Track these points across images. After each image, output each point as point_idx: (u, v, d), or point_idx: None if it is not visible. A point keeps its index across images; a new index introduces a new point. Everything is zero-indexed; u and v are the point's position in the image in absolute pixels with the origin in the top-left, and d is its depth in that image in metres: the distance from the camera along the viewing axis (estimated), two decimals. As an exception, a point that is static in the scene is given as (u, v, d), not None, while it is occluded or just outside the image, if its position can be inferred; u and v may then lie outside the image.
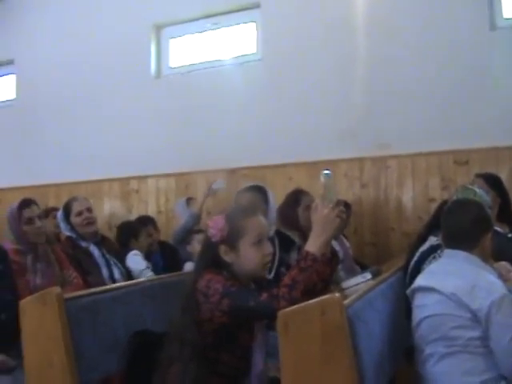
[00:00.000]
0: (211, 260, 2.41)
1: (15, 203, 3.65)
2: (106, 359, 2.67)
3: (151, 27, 6.25)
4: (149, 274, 4.32)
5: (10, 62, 7.29)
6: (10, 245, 3.57)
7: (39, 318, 2.51)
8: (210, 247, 2.43)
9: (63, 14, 6.80)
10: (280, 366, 2.05)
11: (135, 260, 4.46)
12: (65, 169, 6.52)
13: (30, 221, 3.58)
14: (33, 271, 3.50)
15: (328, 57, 5.33)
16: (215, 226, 2.40)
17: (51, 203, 6.10)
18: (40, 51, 6.94)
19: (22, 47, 7.11)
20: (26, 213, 3.60)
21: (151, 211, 5.93)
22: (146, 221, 5.18)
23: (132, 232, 4.81)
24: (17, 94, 7.24)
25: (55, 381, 2.49)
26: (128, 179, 6.15)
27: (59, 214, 4.30)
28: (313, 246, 2.26)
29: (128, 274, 4.22)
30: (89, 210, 4.21)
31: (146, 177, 6.07)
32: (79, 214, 4.16)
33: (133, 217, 5.87)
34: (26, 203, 3.66)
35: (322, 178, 2.33)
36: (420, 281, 2.74)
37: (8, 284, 3.26)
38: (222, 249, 2.39)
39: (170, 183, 5.93)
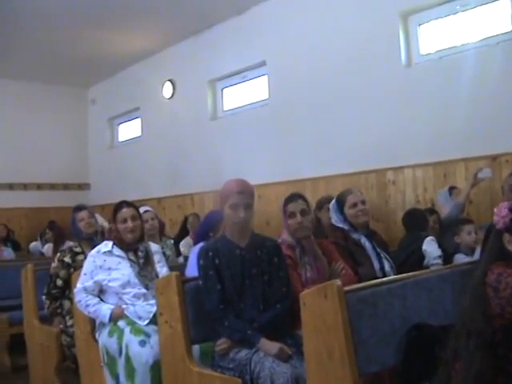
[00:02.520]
0: (498, 251, 2.30)
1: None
2: (383, 352, 2.64)
3: (397, 15, 6.11)
4: (437, 262, 4.32)
5: (262, 64, 7.60)
6: (285, 238, 3.70)
7: (319, 310, 2.53)
8: (495, 236, 2.34)
9: (307, 12, 6.95)
10: None
11: (433, 245, 4.46)
12: (320, 163, 6.65)
13: (292, 215, 3.66)
14: (302, 264, 3.57)
15: None
16: (498, 212, 2.30)
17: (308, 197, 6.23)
18: (287, 50, 7.17)
19: (272, 49, 7.39)
20: (290, 207, 3.69)
21: (408, 202, 5.81)
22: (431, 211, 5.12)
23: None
24: (269, 94, 7.54)
25: (335, 372, 2.50)
26: (384, 170, 6.08)
27: (332, 205, 4.35)
28: None
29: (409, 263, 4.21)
30: (363, 202, 4.22)
31: (401, 167, 5.95)
32: (354, 205, 4.17)
33: (389, 208, 5.84)
34: (290, 198, 3.74)
35: None
36: None
37: (283, 276, 3.37)
38: (506, 237, 2.28)
39: (428, 172, 5.74)
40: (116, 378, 3.74)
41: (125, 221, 4.05)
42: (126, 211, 4.09)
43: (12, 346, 5.88)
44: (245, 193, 3.34)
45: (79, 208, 5.20)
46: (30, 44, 8.61)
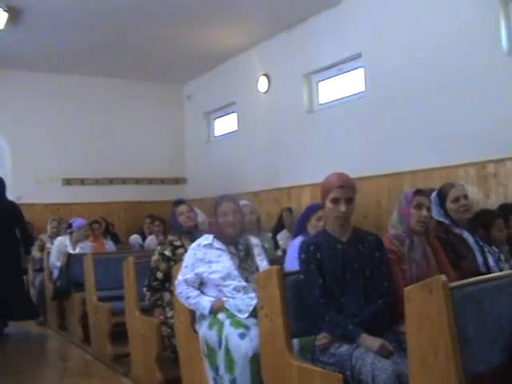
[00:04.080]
0: None
1: (410, 190, 3.71)
2: (490, 351, 2.57)
3: (499, 0, 5.87)
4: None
5: (358, 56, 7.52)
6: (392, 232, 3.62)
7: (424, 306, 2.48)
8: None
9: (402, 2, 6.82)
10: None
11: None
12: (418, 155, 6.50)
13: (419, 207, 3.54)
14: (409, 259, 3.48)
15: None
16: None
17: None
18: (383, 41, 7.05)
19: (368, 40, 7.30)
20: (420, 199, 3.57)
21: (511, 196, 5.60)
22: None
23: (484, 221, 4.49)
24: (366, 87, 7.45)
25: (439, 370, 2.44)
26: (484, 163, 5.86)
27: (433, 197, 4.22)
28: None
29: None
30: (465, 196, 4.14)
31: (503, 159, 5.70)
32: (456, 200, 4.10)
33: (490, 203, 5.65)
34: (421, 191, 3.66)
35: None
36: None
37: (384, 271, 3.32)
38: None
39: (532, 164, 5.53)
40: (215, 369, 3.79)
41: (225, 215, 4.08)
42: (226, 205, 4.12)
43: (114, 334, 6.06)
44: (346, 187, 3.31)
45: (179, 202, 5.30)
46: (128, 43, 8.87)
